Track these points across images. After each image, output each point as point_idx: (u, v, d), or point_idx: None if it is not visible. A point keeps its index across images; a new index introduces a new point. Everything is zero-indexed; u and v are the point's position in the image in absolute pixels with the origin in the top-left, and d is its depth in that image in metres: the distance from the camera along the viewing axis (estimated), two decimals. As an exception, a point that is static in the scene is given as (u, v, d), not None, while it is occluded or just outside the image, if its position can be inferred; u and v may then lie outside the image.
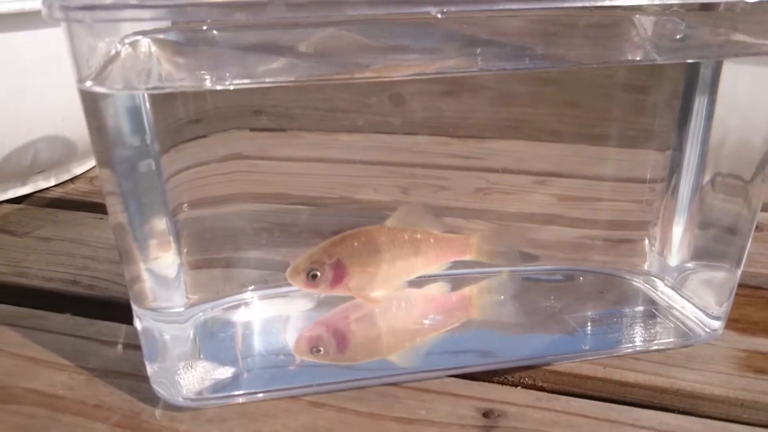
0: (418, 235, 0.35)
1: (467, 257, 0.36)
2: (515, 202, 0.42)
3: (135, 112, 0.29)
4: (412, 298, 0.37)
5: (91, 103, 0.27)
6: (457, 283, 0.38)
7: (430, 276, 0.37)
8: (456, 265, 0.37)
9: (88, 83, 0.26)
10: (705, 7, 0.33)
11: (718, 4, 0.31)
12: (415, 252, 0.35)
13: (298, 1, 0.25)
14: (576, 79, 0.38)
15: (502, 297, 0.38)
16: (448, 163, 0.41)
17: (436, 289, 0.38)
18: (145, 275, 0.30)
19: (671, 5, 0.30)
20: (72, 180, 0.58)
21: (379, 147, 0.39)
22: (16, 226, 0.50)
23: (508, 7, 0.25)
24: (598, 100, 0.38)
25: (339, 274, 0.33)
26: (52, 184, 0.56)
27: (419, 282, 0.37)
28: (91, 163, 0.60)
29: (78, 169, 0.58)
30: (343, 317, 0.36)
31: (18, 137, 0.50)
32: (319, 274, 0.33)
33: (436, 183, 0.41)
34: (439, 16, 0.25)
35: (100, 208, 0.53)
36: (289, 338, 0.35)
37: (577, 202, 0.41)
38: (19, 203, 0.54)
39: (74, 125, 0.52)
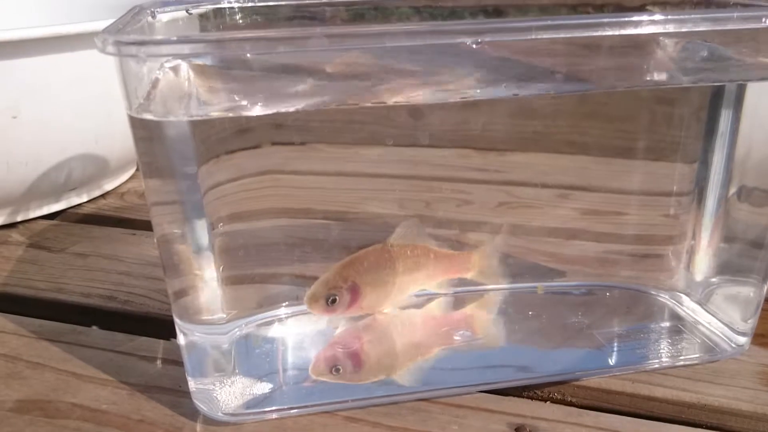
0: (419, 251, 0.36)
1: (469, 275, 0.37)
2: (539, 216, 0.42)
3: (176, 131, 0.30)
4: (416, 319, 0.38)
5: (140, 126, 0.28)
6: (460, 300, 0.39)
7: (431, 293, 0.38)
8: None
9: (137, 111, 0.27)
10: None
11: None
12: (417, 267, 0.36)
13: (339, 33, 0.26)
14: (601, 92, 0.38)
15: (497, 314, 0.39)
16: (470, 177, 0.42)
17: (436, 308, 0.38)
18: (189, 288, 0.31)
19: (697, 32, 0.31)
20: (103, 196, 0.59)
21: (399, 160, 0.40)
22: (52, 242, 0.51)
23: (540, 36, 0.26)
24: (624, 112, 0.39)
25: (354, 295, 0.34)
26: (84, 200, 0.58)
27: (418, 302, 0.38)
28: (122, 179, 0.61)
29: (109, 185, 0.60)
30: (356, 337, 0.37)
31: (53, 156, 0.51)
32: (337, 298, 0.34)
33: (459, 197, 0.42)
34: (474, 46, 0.26)
35: (131, 224, 0.54)
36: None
37: (602, 217, 0.41)
38: (52, 219, 0.55)
39: (107, 144, 0.54)
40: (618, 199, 0.40)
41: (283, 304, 0.38)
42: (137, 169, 0.64)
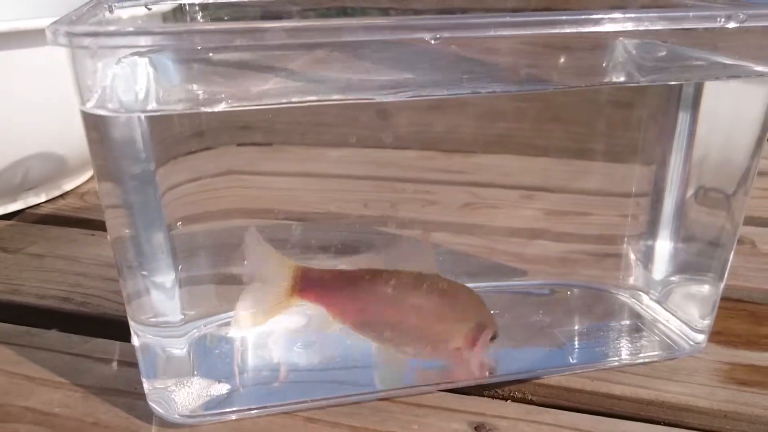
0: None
1: None
2: (501, 217, 0.42)
3: (133, 130, 0.29)
4: None
5: (92, 123, 0.28)
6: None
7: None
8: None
9: (89, 105, 0.27)
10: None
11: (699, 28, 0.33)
12: None
13: (297, 27, 0.26)
14: (561, 94, 0.39)
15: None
16: (435, 178, 0.42)
17: None
18: (144, 290, 0.30)
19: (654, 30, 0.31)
20: (62, 196, 0.58)
21: (366, 162, 0.40)
22: (8, 242, 0.50)
23: (499, 33, 0.26)
24: (584, 115, 0.39)
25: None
26: (43, 200, 0.56)
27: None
28: (82, 179, 0.60)
29: (68, 185, 0.59)
30: None
31: (10, 155, 0.50)
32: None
33: (423, 198, 0.42)
34: (432, 42, 0.26)
35: (90, 224, 0.53)
36: (283, 354, 0.36)
37: (563, 217, 0.41)
38: (9, 219, 0.54)
39: (66, 143, 0.53)
40: (579, 200, 0.41)
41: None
42: (98, 169, 0.63)
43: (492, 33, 0.26)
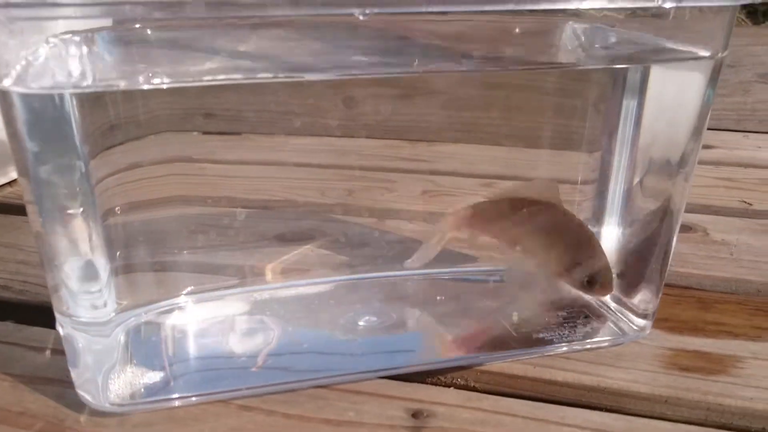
0: None
1: None
2: (456, 204, 0.42)
3: (60, 116, 0.28)
4: None
5: (10, 106, 0.26)
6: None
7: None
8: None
9: (6, 82, 0.26)
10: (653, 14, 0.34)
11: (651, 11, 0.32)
12: None
13: (220, 0, 0.25)
14: (516, 85, 0.38)
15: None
16: (396, 166, 0.42)
17: None
18: (66, 283, 0.29)
19: (603, 11, 0.31)
20: (10, 183, 0.57)
21: (328, 150, 0.39)
22: (-52, 230, 0.48)
23: (428, 10, 0.26)
24: (534, 105, 0.39)
25: None
26: (-12, 187, 0.55)
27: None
28: (30, 166, 0.59)
29: (15, 173, 0.57)
30: None
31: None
32: None
33: (383, 186, 0.41)
34: (361, 17, 0.25)
35: (37, 212, 0.51)
36: (227, 341, 0.35)
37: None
38: (-48, 207, 0.52)
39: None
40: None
41: (183, 292, 0.36)
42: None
43: (424, 9, 0.26)
